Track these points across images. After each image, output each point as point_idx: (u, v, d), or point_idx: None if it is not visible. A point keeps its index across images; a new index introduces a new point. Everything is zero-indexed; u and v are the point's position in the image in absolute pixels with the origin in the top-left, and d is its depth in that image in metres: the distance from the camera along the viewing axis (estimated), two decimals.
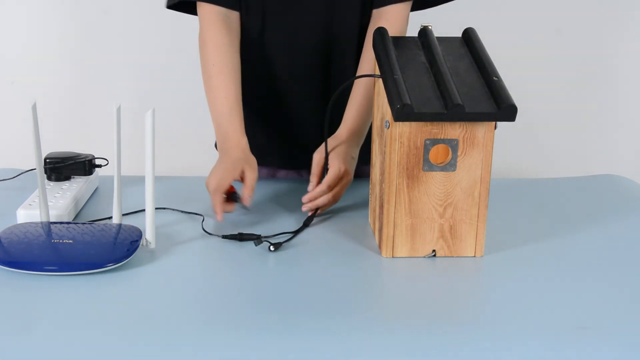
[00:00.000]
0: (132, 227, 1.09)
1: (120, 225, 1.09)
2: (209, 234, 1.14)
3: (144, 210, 1.19)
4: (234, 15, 1.32)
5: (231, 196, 1.20)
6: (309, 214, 1.19)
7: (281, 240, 1.11)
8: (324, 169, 1.20)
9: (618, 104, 2.53)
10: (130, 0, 2.30)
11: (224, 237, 1.12)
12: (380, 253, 1.08)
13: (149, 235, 1.06)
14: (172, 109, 2.27)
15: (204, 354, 0.82)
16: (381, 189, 1.08)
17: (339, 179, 1.20)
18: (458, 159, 1.02)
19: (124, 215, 1.18)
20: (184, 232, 1.14)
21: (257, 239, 1.09)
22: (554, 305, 0.93)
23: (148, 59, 2.35)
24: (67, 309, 0.90)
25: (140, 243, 1.05)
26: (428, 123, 1.00)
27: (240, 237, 1.11)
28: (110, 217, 1.17)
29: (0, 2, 2.33)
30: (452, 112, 0.97)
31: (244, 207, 1.23)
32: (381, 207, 1.08)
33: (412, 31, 1.20)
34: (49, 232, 1.05)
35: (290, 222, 1.19)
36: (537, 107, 2.29)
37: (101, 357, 0.82)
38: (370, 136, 1.21)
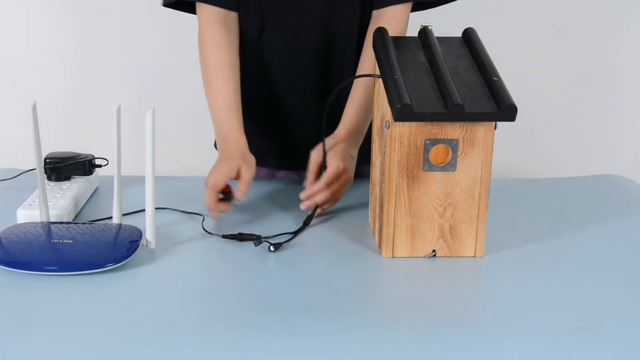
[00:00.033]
0: (132, 227, 1.09)
1: (120, 225, 1.09)
2: (209, 233, 1.14)
3: (144, 210, 1.19)
4: (233, 16, 1.32)
5: (227, 195, 1.20)
6: (309, 213, 1.19)
7: (281, 240, 1.11)
8: (322, 168, 1.20)
9: (618, 104, 2.53)
10: (130, 0, 2.30)
11: (224, 237, 1.12)
12: (380, 253, 1.08)
13: (149, 235, 1.06)
14: (172, 109, 2.27)
15: (204, 354, 0.82)
16: (381, 189, 1.08)
17: (337, 177, 1.19)
18: (458, 159, 1.02)
19: (124, 215, 1.18)
20: (184, 232, 1.14)
21: (257, 239, 1.09)
22: (554, 305, 0.93)
23: (148, 59, 2.35)
24: (67, 309, 0.90)
25: (140, 243, 1.05)
26: (428, 123, 1.00)
27: (240, 237, 1.11)
28: (110, 217, 1.17)
29: (0, 2, 2.33)
30: (452, 112, 0.97)
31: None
32: (381, 207, 1.08)
33: (412, 31, 1.20)
34: (49, 232, 1.05)
35: (290, 223, 1.19)
36: (537, 107, 2.29)
37: (101, 357, 0.82)
38: (370, 136, 1.21)
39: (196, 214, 1.22)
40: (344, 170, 1.20)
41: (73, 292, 0.94)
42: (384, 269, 1.04)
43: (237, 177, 1.18)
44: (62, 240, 1.03)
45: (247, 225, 1.18)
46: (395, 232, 1.05)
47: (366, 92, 1.26)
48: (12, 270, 0.98)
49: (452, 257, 1.07)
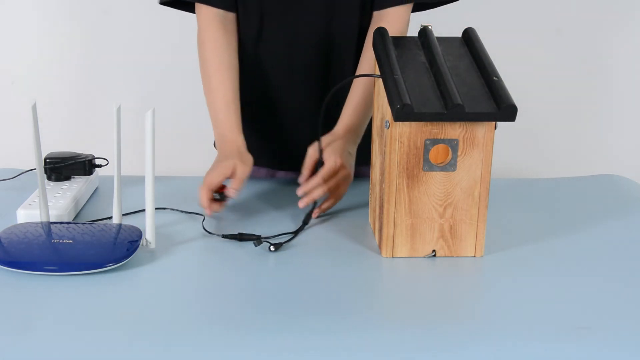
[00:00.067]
0: (132, 227, 1.09)
1: (120, 225, 1.09)
2: (209, 233, 1.14)
3: (144, 210, 1.19)
4: (231, 17, 1.32)
5: (222, 196, 1.20)
6: (308, 211, 1.19)
7: (281, 240, 1.11)
8: (319, 165, 1.19)
9: (618, 104, 2.53)
10: (130, 0, 2.30)
11: (224, 237, 1.12)
12: (380, 253, 1.08)
13: (149, 235, 1.06)
14: (172, 109, 2.27)
15: (204, 354, 0.82)
16: (381, 189, 1.08)
17: (335, 173, 1.19)
18: (458, 159, 1.02)
19: (124, 215, 1.18)
20: (184, 232, 1.14)
21: (257, 239, 1.09)
22: (553, 305, 0.93)
23: (148, 59, 2.35)
24: (67, 309, 0.90)
25: (140, 243, 1.05)
26: (428, 123, 1.00)
27: (240, 237, 1.11)
28: (110, 217, 1.17)
29: (1, 2, 2.33)
30: (452, 112, 0.97)
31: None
32: (381, 207, 1.08)
33: (412, 31, 1.20)
34: (49, 232, 1.05)
35: (290, 223, 1.19)
36: (537, 107, 2.29)
37: (101, 357, 0.82)
38: (370, 136, 1.21)
39: (196, 214, 1.22)
40: (342, 166, 1.19)
41: (73, 292, 0.94)
42: (384, 269, 1.04)
43: (233, 176, 1.18)
44: (62, 240, 1.03)
45: (247, 225, 1.18)
46: (395, 232, 1.05)
47: (365, 91, 1.26)
48: (12, 270, 0.98)
49: (452, 257, 1.07)
